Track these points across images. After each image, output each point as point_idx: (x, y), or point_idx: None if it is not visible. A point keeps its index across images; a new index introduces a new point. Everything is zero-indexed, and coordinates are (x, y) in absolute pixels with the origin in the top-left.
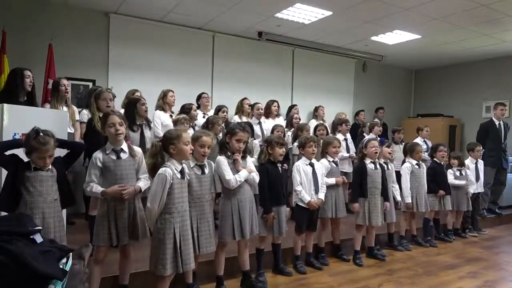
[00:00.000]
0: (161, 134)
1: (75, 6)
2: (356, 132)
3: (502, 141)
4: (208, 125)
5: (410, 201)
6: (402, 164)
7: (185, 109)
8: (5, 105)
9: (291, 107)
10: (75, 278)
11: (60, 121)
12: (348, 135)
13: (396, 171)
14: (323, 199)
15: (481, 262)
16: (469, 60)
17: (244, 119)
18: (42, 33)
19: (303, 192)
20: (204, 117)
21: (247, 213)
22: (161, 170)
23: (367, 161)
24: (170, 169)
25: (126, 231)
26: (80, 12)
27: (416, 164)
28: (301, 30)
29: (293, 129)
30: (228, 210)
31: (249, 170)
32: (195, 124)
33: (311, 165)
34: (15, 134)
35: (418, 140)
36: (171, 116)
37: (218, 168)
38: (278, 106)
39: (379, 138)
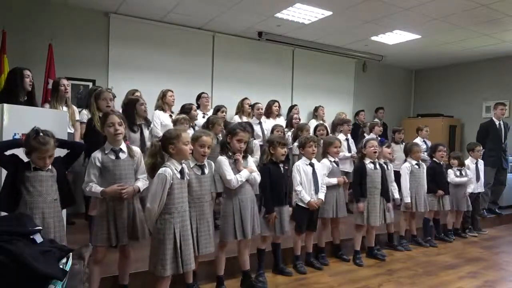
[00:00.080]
0: (160, 134)
1: (75, 6)
2: (356, 132)
3: (502, 141)
4: (209, 125)
5: (410, 201)
6: (403, 164)
7: (185, 109)
8: (5, 105)
9: (292, 107)
10: (75, 278)
11: (60, 121)
12: (349, 135)
13: (396, 171)
14: (323, 199)
15: (481, 262)
16: (469, 60)
17: (245, 119)
18: (42, 33)
19: (303, 192)
20: (203, 117)
21: (248, 213)
22: (161, 170)
23: (367, 161)
24: (170, 169)
25: (126, 231)
26: (80, 12)
27: (416, 164)
28: (301, 30)
29: (293, 129)
30: (230, 210)
31: (250, 170)
32: (195, 124)
33: (311, 165)
34: (15, 134)
35: (418, 140)
36: (170, 116)
37: (219, 168)
38: (279, 106)
39: (379, 138)
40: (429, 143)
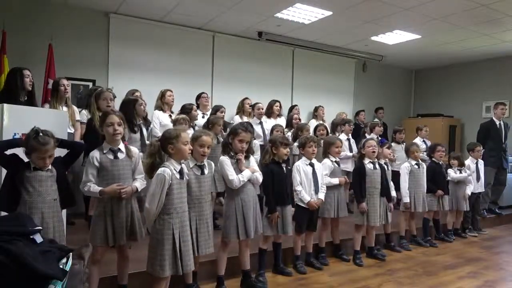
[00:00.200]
0: (159, 134)
1: (75, 6)
2: (358, 132)
3: (503, 141)
4: (209, 125)
5: (408, 201)
6: (402, 164)
7: (186, 109)
8: (5, 105)
9: (292, 107)
10: (75, 278)
11: (60, 121)
12: (351, 135)
13: (397, 171)
14: (323, 199)
15: (481, 262)
16: (469, 60)
17: (245, 119)
18: (42, 33)
19: (303, 192)
20: (203, 117)
21: (251, 212)
22: (159, 170)
23: (366, 161)
24: (169, 169)
25: (124, 231)
26: (80, 12)
27: (416, 164)
28: (301, 30)
29: (293, 129)
30: (232, 209)
31: (252, 170)
32: (195, 124)
33: (311, 165)
34: (15, 134)
35: (418, 140)
36: (170, 116)
37: (221, 168)
38: (280, 106)
39: (379, 139)
40: (429, 143)
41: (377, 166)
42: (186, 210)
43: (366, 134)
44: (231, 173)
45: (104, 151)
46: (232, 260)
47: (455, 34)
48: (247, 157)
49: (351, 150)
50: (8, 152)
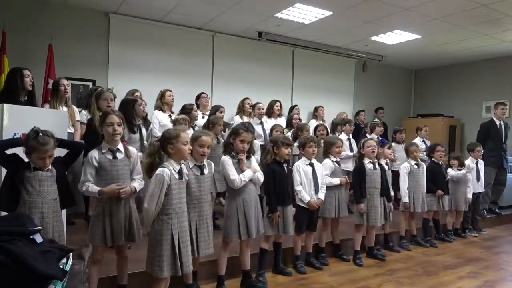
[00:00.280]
0: (158, 134)
1: (75, 6)
2: (359, 132)
3: (503, 141)
4: (209, 125)
5: (408, 201)
6: (402, 164)
7: (186, 109)
8: (5, 105)
9: (292, 107)
10: (75, 278)
11: (60, 121)
12: (351, 135)
13: (397, 171)
14: (323, 199)
15: (481, 262)
16: (469, 60)
17: (245, 119)
18: (42, 33)
19: (303, 192)
20: (203, 117)
21: (252, 212)
22: (158, 171)
23: (366, 161)
24: (168, 169)
25: (122, 232)
26: (80, 12)
27: (415, 164)
28: (301, 30)
29: (293, 129)
30: (234, 209)
31: (254, 170)
32: (195, 125)
33: (311, 165)
34: (15, 134)
35: (417, 140)
36: (170, 116)
37: (223, 168)
38: (281, 106)
39: (380, 139)
40: (429, 143)
41: (377, 166)
42: (185, 211)
43: (367, 134)
44: (233, 173)
45: (103, 151)
46: (232, 260)
47: (455, 34)
48: (248, 157)
49: (351, 150)
50: (9, 151)
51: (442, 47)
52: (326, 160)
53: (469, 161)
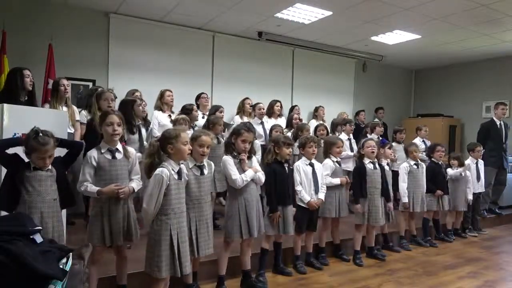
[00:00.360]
0: (157, 134)
1: (75, 6)
2: (360, 132)
3: (503, 141)
4: (209, 125)
5: (407, 201)
6: (401, 164)
7: (186, 109)
8: (5, 105)
9: (292, 107)
10: (75, 278)
11: (60, 121)
12: (352, 135)
13: (397, 171)
14: (323, 199)
15: (481, 262)
16: (469, 60)
17: (245, 119)
18: (42, 33)
19: (303, 192)
20: (203, 117)
21: (254, 212)
22: (157, 171)
23: (366, 161)
24: (166, 170)
25: (121, 232)
26: (80, 12)
27: (415, 164)
28: (301, 30)
29: (293, 129)
30: (235, 209)
31: (255, 169)
32: (195, 125)
33: (311, 165)
34: (15, 134)
35: (417, 140)
36: (169, 116)
37: (224, 168)
38: (281, 106)
39: (380, 139)
40: (429, 143)
41: (377, 166)
42: (184, 211)
43: (368, 134)
44: (234, 173)
45: (102, 151)
46: (232, 260)
47: (455, 34)
48: (249, 157)
49: (352, 150)
50: (10, 151)
51: (442, 47)
52: (327, 160)
53: (469, 161)
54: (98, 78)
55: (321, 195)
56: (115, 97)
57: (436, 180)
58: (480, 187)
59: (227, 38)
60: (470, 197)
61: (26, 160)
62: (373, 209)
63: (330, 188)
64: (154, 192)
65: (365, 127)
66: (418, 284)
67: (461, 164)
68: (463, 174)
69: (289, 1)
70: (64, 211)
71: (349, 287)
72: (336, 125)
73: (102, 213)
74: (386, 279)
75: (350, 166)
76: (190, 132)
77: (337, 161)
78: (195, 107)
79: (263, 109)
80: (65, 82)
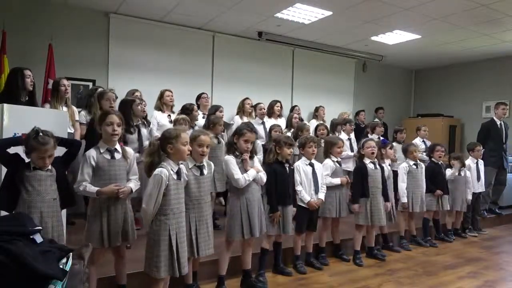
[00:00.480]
0: (156, 134)
1: (75, 6)
2: (361, 132)
3: (504, 141)
4: (210, 125)
5: (406, 201)
6: (401, 164)
7: (187, 109)
8: (5, 105)
9: (293, 108)
10: (75, 278)
11: (60, 121)
12: (352, 135)
13: (396, 171)
14: (323, 199)
15: (481, 262)
16: (469, 60)
17: (245, 119)
18: (42, 33)
19: (303, 192)
20: (203, 117)
21: (256, 211)
22: (156, 171)
23: (367, 161)
24: (166, 170)
25: (119, 232)
26: (80, 12)
27: (414, 164)
28: (301, 30)
29: (293, 129)
30: (237, 209)
31: (257, 169)
32: (195, 125)
33: (311, 165)
34: (15, 134)
35: (417, 140)
36: (169, 116)
37: (227, 168)
38: (281, 107)
39: (381, 139)
40: (428, 143)
41: (377, 166)
42: (183, 211)
43: (369, 135)
44: (237, 173)
45: (101, 151)
46: (233, 260)
47: (455, 34)
48: (251, 157)
49: (352, 149)
50: (11, 151)
51: (442, 47)
52: (327, 160)
53: (469, 161)
54: (98, 78)
55: (321, 195)
56: (116, 97)
57: (436, 180)
58: (480, 187)
59: (227, 38)
60: (469, 197)
61: (27, 160)
62: (375, 209)
63: (330, 188)
64: (153, 192)
65: (365, 127)
66: (418, 284)
67: (462, 165)
68: (462, 174)
69: (289, 1)
70: (64, 211)
71: (349, 287)
72: (336, 125)
73: (101, 213)
74: (386, 279)
75: (350, 166)
76: (190, 132)
77: (337, 161)
78: (195, 107)
79: (264, 109)
80: (65, 82)
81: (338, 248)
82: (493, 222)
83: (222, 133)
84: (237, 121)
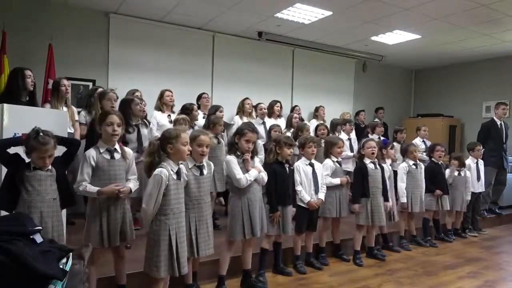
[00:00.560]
0: (155, 134)
1: (75, 6)
2: (361, 132)
3: (504, 141)
4: (210, 124)
5: (405, 201)
6: (400, 164)
7: (186, 109)
8: (5, 105)
9: (293, 108)
10: (75, 278)
11: (61, 121)
12: (352, 135)
13: (396, 171)
14: (323, 199)
15: (481, 262)
16: (469, 60)
17: (245, 119)
18: (42, 33)
19: (303, 192)
20: (204, 117)
21: (257, 212)
22: (156, 171)
23: (367, 161)
24: (165, 170)
25: (118, 232)
26: (80, 12)
27: (413, 164)
28: (301, 30)
29: (292, 129)
30: (238, 209)
31: (258, 169)
32: (195, 124)
33: (311, 165)
34: (15, 134)
35: (417, 140)
36: (169, 116)
37: (229, 168)
38: (281, 107)
39: (382, 139)
40: (428, 143)
41: (377, 166)
42: (183, 211)
43: (369, 135)
44: (238, 173)
45: (101, 151)
46: (233, 260)
47: (455, 34)
48: (252, 157)
49: (352, 150)
50: (11, 151)
51: (442, 47)
52: (327, 160)
53: (469, 161)
54: (98, 78)
55: (321, 195)
56: (117, 97)
57: (436, 180)
58: (480, 187)
59: (227, 38)
60: (468, 197)
61: (27, 160)
62: (376, 208)
63: (330, 188)
64: (153, 192)
65: (365, 127)
66: (418, 284)
67: (462, 165)
68: (462, 174)
69: (289, 1)
70: (64, 211)
71: (349, 287)
72: (336, 125)
73: (101, 213)
74: (386, 279)
75: (349, 166)
76: (190, 132)
77: (337, 161)
78: (195, 106)
79: (265, 109)
80: (65, 82)
81: (338, 248)
82: (493, 222)
83: (222, 133)
84: (237, 121)
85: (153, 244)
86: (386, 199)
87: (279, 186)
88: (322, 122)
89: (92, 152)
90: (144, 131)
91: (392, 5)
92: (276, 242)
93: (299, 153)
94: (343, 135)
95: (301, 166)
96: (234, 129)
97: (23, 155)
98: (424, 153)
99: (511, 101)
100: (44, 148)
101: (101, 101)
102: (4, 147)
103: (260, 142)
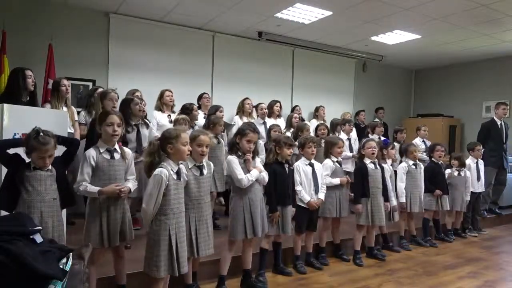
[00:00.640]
0: (155, 134)
1: (75, 6)
2: (362, 132)
3: (504, 141)
4: (210, 124)
5: (405, 201)
6: (400, 164)
7: (186, 109)
8: (5, 105)
9: (293, 108)
10: (75, 278)
11: (61, 121)
12: (352, 135)
13: (395, 171)
14: (323, 199)
15: (481, 262)
16: (469, 60)
17: (245, 119)
18: (42, 33)
19: (303, 192)
20: (204, 117)
21: (258, 211)
22: (156, 171)
23: (367, 161)
24: (165, 170)
25: (117, 232)
26: (80, 12)
27: (413, 164)
28: (301, 30)
29: (292, 129)
30: (240, 209)
31: (259, 169)
32: (195, 124)
33: (311, 165)
34: (15, 134)
35: (417, 140)
36: (169, 116)
37: (230, 168)
38: (280, 107)
39: (383, 139)
40: (428, 143)
41: (377, 166)
42: (183, 211)
43: (369, 135)
44: (240, 173)
45: (101, 151)
46: (232, 260)
47: (455, 34)
48: (253, 157)
49: (351, 150)
50: (11, 151)
51: (442, 47)
52: (327, 161)
53: (469, 161)
54: (98, 78)
55: (321, 195)
56: (118, 97)
57: (436, 180)
58: (480, 187)
59: (227, 38)
60: (468, 197)
61: (27, 160)
62: (376, 208)
63: (330, 188)
64: (153, 192)
65: (365, 127)
66: (418, 284)
67: (462, 164)
68: (462, 174)
69: (289, 1)
70: (64, 211)
71: (349, 287)
72: (336, 125)
73: (101, 213)
74: (386, 279)
75: (349, 166)
76: (190, 132)
77: (337, 161)
78: (195, 106)
79: (265, 109)
80: (66, 82)
81: (338, 248)
82: (493, 222)
83: (222, 133)
84: (237, 121)
85: (153, 244)
86: (386, 199)
87: (279, 186)
88: (322, 122)
89: (92, 152)
90: (144, 131)
91: (392, 5)
92: (276, 242)
93: (298, 153)
94: (342, 135)
95: (301, 166)
96: (234, 129)
97: (23, 155)
98: (424, 153)
99: (511, 101)
100: (44, 148)
101: (102, 101)
102: (5, 147)
103: (261, 142)
